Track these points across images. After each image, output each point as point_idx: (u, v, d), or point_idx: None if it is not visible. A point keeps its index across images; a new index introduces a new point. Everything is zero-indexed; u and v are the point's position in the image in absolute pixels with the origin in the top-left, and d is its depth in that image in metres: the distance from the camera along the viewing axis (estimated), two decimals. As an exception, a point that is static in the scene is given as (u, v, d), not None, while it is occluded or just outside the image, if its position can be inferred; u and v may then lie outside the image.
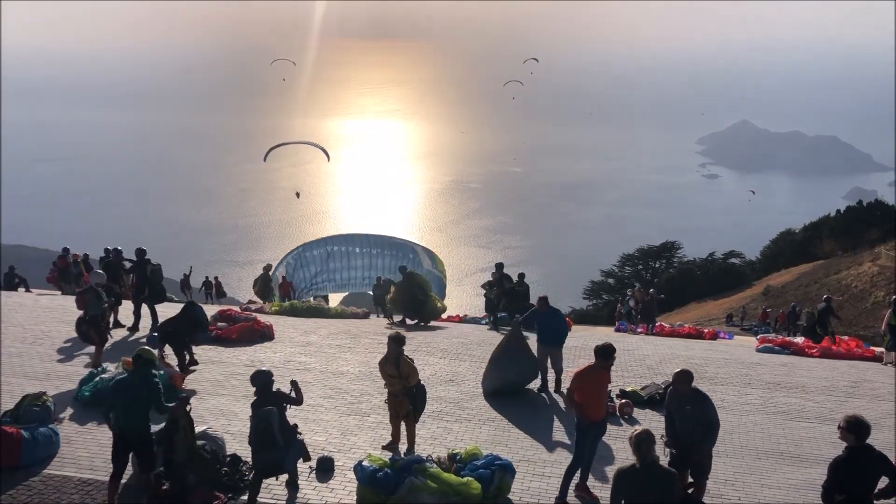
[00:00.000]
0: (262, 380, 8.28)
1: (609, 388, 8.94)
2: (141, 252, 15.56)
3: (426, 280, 18.73)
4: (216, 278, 28.27)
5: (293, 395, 8.51)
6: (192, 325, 12.58)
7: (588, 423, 8.37)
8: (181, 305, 14.22)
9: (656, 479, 6.10)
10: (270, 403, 8.08)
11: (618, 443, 10.49)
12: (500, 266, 19.03)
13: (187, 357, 12.75)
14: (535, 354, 12.55)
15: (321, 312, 19.33)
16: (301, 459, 8.54)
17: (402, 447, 9.75)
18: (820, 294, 46.44)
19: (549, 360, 12.56)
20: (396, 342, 9.41)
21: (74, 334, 14.54)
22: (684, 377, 7.86)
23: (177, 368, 12.19)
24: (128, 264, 16.26)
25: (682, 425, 7.91)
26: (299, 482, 8.61)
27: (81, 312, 13.00)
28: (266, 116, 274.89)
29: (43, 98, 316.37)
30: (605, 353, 8.26)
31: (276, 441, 7.95)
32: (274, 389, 8.34)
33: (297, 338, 15.96)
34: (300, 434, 8.51)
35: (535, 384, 12.71)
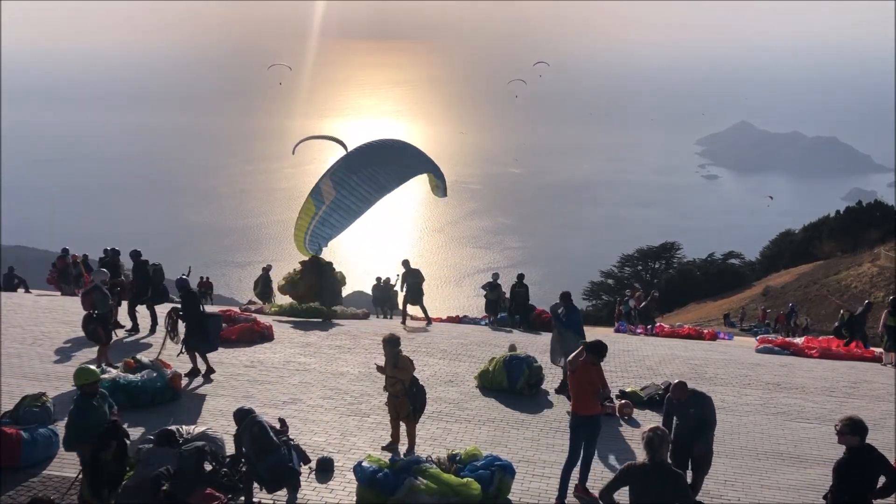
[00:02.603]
0: (240, 417, 8.13)
1: (608, 388, 8.97)
2: (137, 254, 15.49)
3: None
4: (207, 278, 28.23)
5: (278, 426, 8.54)
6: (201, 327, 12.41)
7: (579, 417, 8.51)
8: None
9: (666, 479, 6.05)
10: (267, 442, 8.02)
11: (619, 443, 10.51)
12: (405, 262, 19.30)
13: (202, 364, 12.61)
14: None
15: (320, 313, 19.18)
16: (302, 464, 8.58)
17: (402, 448, 9.75)
18: (820, 294, 46.63)
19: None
20: (391, 344, 9.43)
21: (74, 335, 14.53)
22: (680, 388, 8.43)
23: (179, 370, 12.14)
24: (129, 273, 16.23)
25: (684, 425, 8.23)
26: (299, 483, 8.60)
27: (87, 312, 12.88)
28: (265, 117, 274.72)
29: (42, 98, 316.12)
30: (597, 350, 8.53)
31: (275, 442, 8.00)
32: (258, 420, 8.18)
33: (296, 338, 15.95)
34: (292, 440, 8.57)
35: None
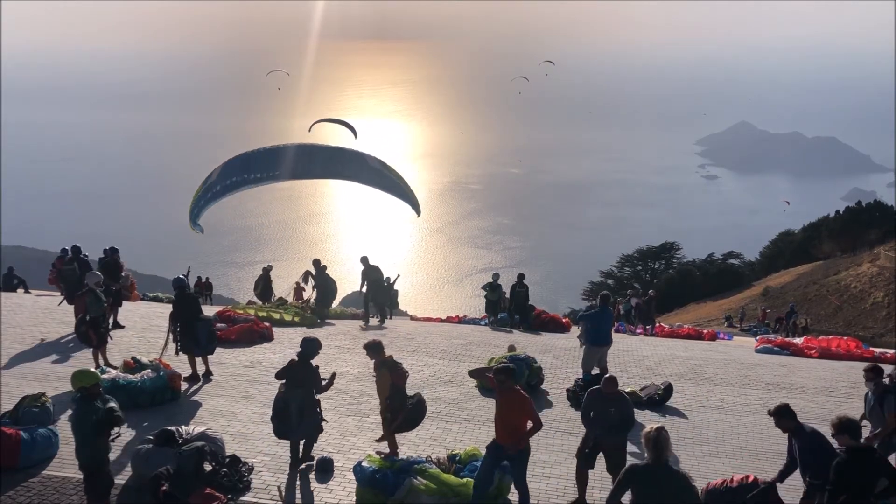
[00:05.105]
0: (310, 349, 8.93)
1: (539, 422, 7.79)
2: (77, 249, 15.42)
3: None
4: (206, 278, 28.21)
5: (324, 381, 9.10)
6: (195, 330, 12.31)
7: (497, 445, 7.76)
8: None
9: (670, 479, 6.01)
10: (306, 376, 8.82)
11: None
12: (364, 259, 19.23)
13: (201, 366, 12.56)
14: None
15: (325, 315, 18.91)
16: (310, 434, 9.03)
17: (402, 448, 9.72)
18: (819, 294, 46.67)
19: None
20: (372, 350, 9.14)
21: (74, 335, 14.52)
22: (612, 381, 8.25)
23: (177, 370, 12.13)
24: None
25: (600, 423, 8.17)
26: (299, 482, 8.61)
27: (80, 314, 12.90)
28: (265, 117, 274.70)
29: (42, 98, 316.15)
30: (499, 371, 7.75)
31: (291, 420, 8.75)
32: (314, 364, 8.98)
33: (296, 339, 15.91)
34: (318, 409, 9.03)
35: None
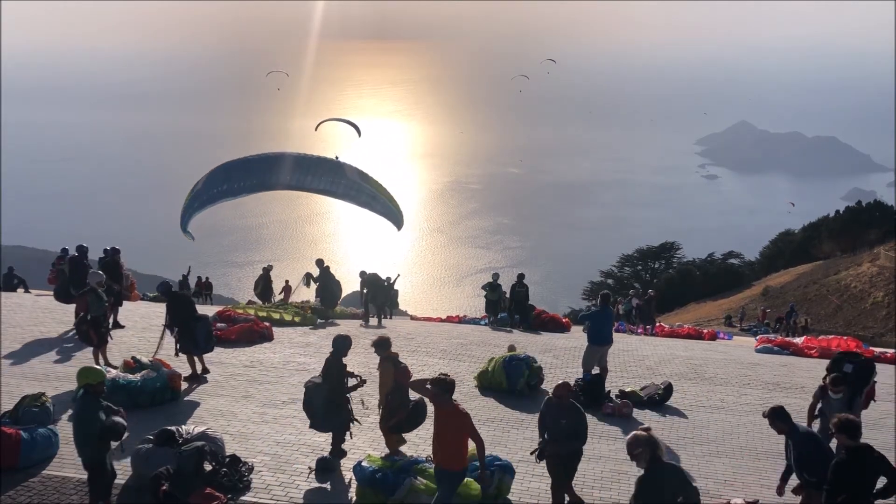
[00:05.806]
0: (341, 346, 9.18)
1: (480, 439, 7.36)
2: (81, 250, 15.72)
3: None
4: (206, 278, 28.23)
5: (353, 380, 9.41)
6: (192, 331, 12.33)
7: (443, 472, 7.38)
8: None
9: (670, 474, 6.09)
10: (332, 373, 9.06)
11: (620, 443, 10.47)
12: (362, 273, 20.20)
13: (198, 365, 12.56)
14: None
15: (321, 314, 19.05)
16: (336, 429, 9.25)
17: (403, 448, 9.72)
18: (819, 294, 46.67)
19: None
20: (379, 347, 9.20)
21: (73, 334, 14.53)
22: (564, 387, 7.85)
23: (177, 369, 12.12)
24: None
25: (553, 436, 7.84)
26: (302, 480, 8.60)
27: (81, 314, 12.91)
28: (265, 117, 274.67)
29: (42, 98, 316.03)
30: (434, 382, 7.25)
31: (317, 413, 9.11)
32: (345, 361, 9.22)
33: (296, 338, 15.95)
34: (349, 406, 9.24)
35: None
